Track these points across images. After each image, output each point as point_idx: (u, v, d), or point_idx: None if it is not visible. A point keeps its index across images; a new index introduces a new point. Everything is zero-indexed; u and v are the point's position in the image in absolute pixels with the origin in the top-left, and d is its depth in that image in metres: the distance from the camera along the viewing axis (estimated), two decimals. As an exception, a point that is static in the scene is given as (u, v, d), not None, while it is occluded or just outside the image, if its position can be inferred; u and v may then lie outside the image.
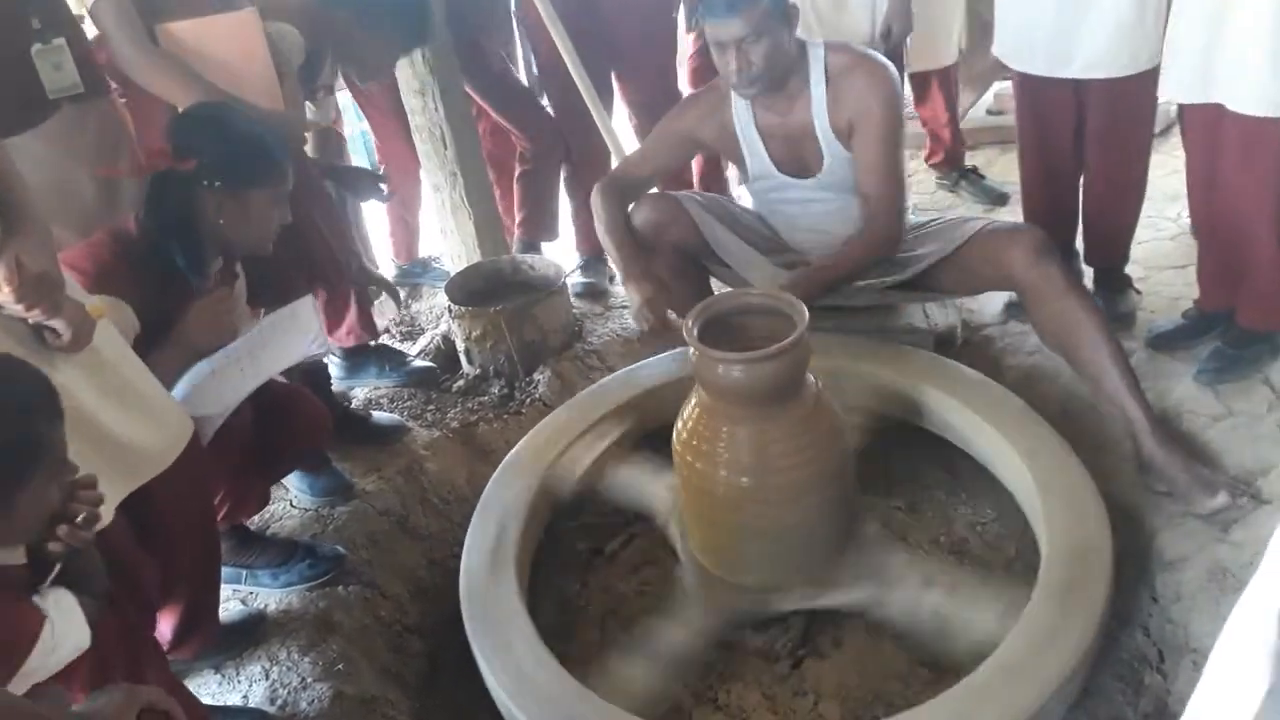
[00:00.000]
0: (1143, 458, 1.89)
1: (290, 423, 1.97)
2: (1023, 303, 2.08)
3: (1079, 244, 2.48)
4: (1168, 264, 2.48)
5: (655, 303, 2.10)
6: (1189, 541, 1.77)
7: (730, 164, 3.17)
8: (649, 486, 2.05)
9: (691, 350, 1.72)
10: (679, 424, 1.83)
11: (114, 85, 2.12)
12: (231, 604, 1.95)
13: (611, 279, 3.14)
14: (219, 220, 1.72)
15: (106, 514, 1.45)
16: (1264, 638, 0.78)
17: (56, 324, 1.37)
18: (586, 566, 2.16)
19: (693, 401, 1.82)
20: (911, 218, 2.30)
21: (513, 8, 3.02)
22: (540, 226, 3.17)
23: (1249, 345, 2.08)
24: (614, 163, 3.00)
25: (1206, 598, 1.66)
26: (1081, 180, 2.38)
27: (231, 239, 1.77)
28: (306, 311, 1.95)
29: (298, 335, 1.94)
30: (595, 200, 2.29)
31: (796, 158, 2.21)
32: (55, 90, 1.87)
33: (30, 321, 1.36)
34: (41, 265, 1.36)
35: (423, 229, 3.32)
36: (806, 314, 1.69)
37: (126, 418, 1.50)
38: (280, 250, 2.13)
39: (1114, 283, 2.43)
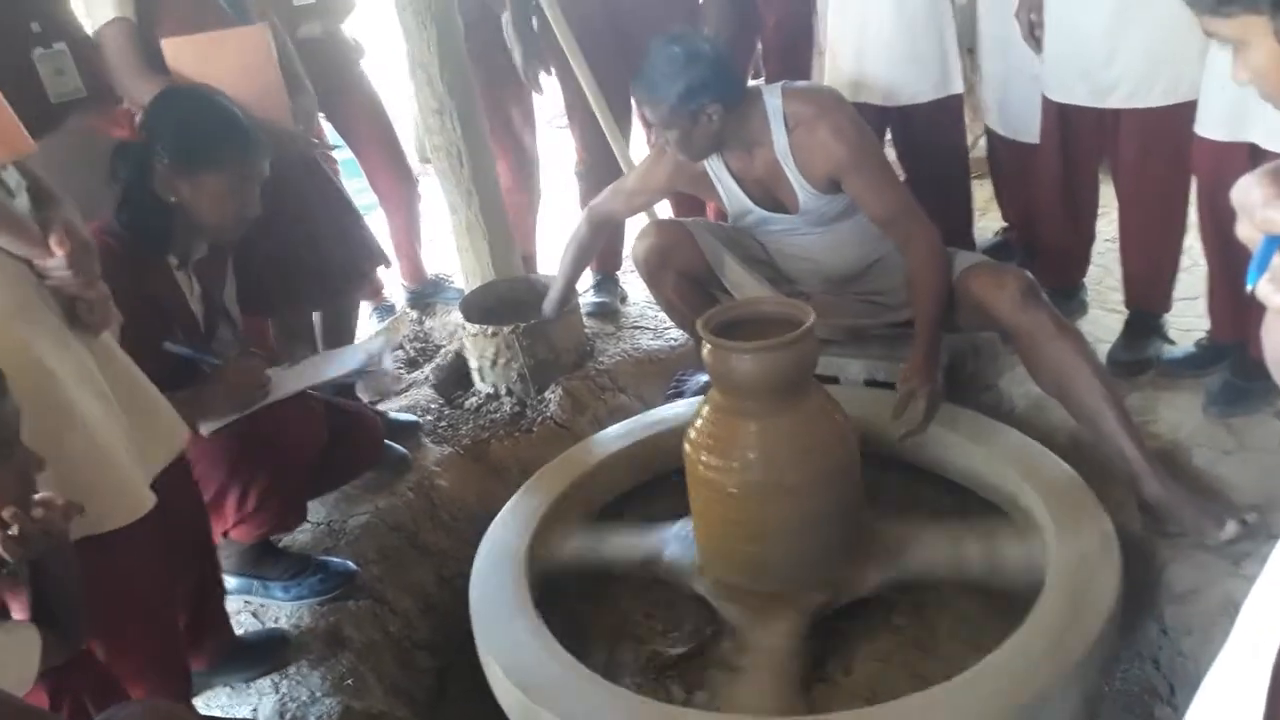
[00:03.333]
0: (1145, 500, 1.88)
1: (350, 444, 2.03)
2: (1014, 346, 2.08)
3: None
4: (1179, 295, 2.48)
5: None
6: (1200, 574, 1.77)
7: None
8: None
9: (706, 347, 1.78)
10: (690, 428, 1.88)
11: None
12: (243, 616, 1.96)
13: (623, 299, 3.16)
14: (170, 198, 1.71)
15: (140, 491, 1.47)
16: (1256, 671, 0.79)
17: (93, 296, 1.40)
18: (596, 586, 2.16)
19: (705, 404, 1.88)
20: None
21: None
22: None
23: (1259, 378, 2.08)
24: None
25: (1218, 631, 1.65)
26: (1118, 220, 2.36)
27: (188, 219, 1.75)
28: (378, 347, 2.07)
29: (359, 353, 2.06)
30: (580, 223, 2.53)
31: (771, 196, 2.24)
32: (59, 95, 1.86)
33: (70, 291, 1.38)
34: (85, 235, 1.39)
35: (424, 254, 3.37)
36: (813, 313, 1.76)
37: (140, 404, 1.54)
38: (289, 255, 2.17)
39: (1144, 329, 2.37)
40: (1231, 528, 1.75)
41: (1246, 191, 0.71)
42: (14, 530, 1.14)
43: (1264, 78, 1.02)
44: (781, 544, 1.84)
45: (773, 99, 2.13)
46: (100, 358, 1.48)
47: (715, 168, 2.25)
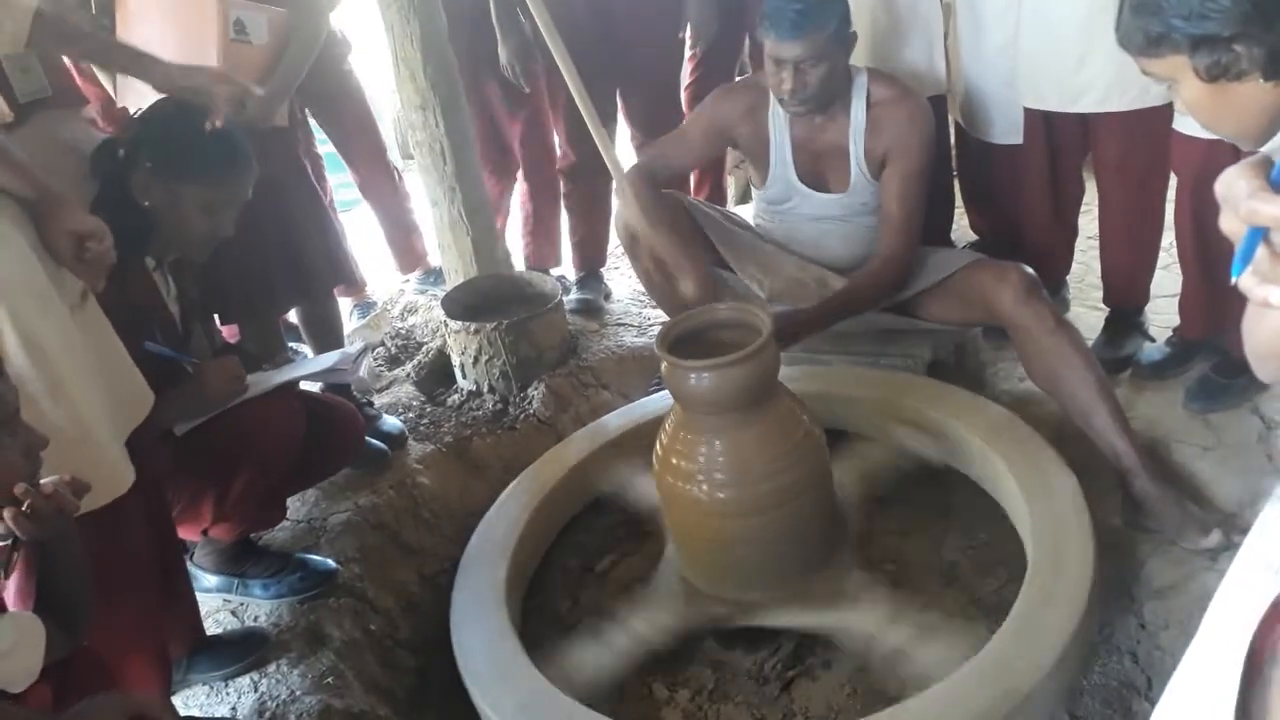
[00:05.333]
0: (1133, 496, 1.88)
1: (330, 438, 2.01)
2: (1011, 340, 2.10)
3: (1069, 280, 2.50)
4: (1159, 293, 2.50)
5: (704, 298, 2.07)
6: (1178, 569, 1.78)
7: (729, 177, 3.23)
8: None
9: (663, 364, 1.76)
10: (658, 442, 1.87)
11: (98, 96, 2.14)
12: (222, 614, 1.95)
13: (607, 296, 3.16)
14: (145, 203, 1.69)
15: (120, 467, 1.49)
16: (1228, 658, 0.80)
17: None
18: (577, 584, 2.16)
19: (670, 418, 1.85)
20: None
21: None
22: (544, 252, 3.23)
23: (1238, 375, 2.09)
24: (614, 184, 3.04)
25: (1195, 626, 1.66)
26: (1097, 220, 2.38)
27: (159, 227, 1.73)
28: (355, 350, 2.07)
29: (334, 354, 2.08)
30: (630, 188, 2.18)
31: (819, 173, 2.24)
32: (24, 94, 1.86)
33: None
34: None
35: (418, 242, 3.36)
36: (770, 321, 1.73)
37: (117, 368, 1.57)
38: (264, 255, 2.16)
39: (1124, 326, 2.40)
40: (1215, 537, 1.75)
41: (1230, 184, 0.72)
42: (26, 506, 1.14)
43: (1196, 111, 1.07)
44: (742, 559, 1.83)
45: (859, 75, 2.16)
46: (83, 324, 1.49)
47: (778, 129, 2.23)
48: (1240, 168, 0.71)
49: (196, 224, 1.73)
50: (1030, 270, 2.07)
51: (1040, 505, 1.77)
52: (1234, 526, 1.77)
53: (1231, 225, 0.72)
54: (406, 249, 3.34)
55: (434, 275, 3.32)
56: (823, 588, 1.85)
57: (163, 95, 1.76)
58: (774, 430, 1.76)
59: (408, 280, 3.42)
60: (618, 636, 1.78)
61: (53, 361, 1.38)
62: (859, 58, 2.54)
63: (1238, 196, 0.70)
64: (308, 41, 2.17)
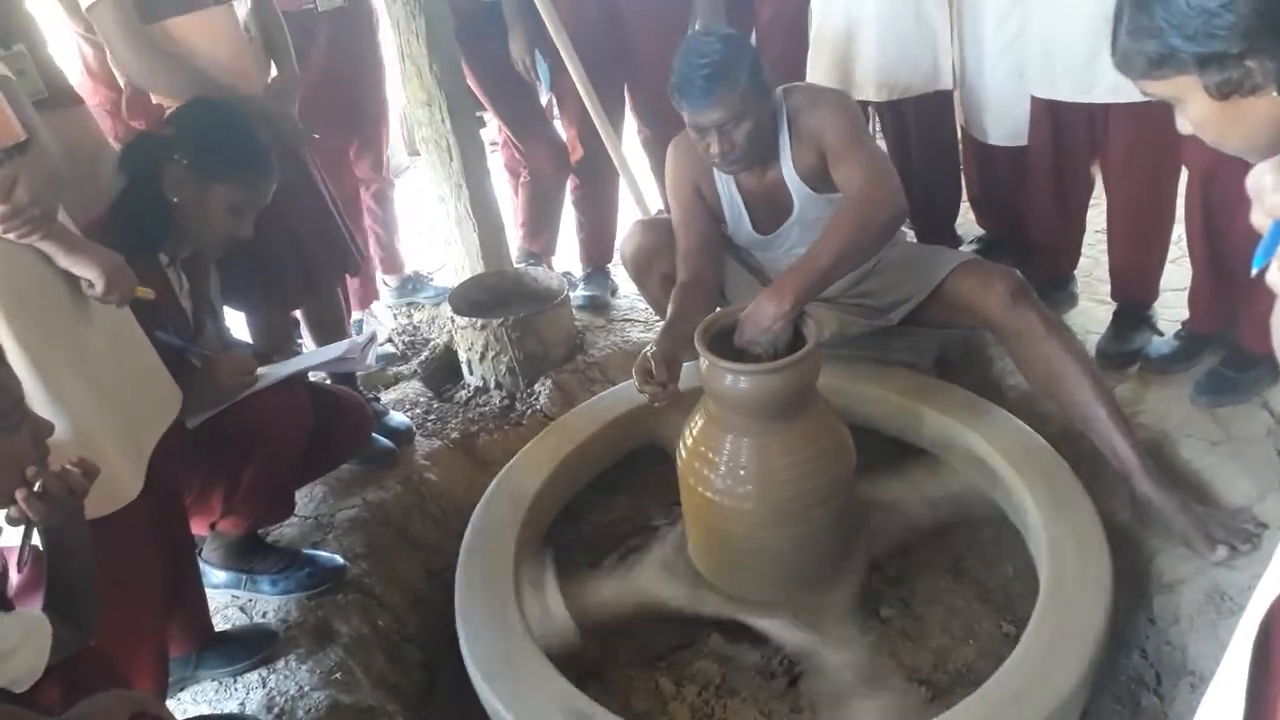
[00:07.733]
0: (1137, 499, 1.87)
1: (338, 429, 2.02)
2: (1003, 346, 2.08)
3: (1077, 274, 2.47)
4: (1167, 286, 2.49)
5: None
6: (1187, 564, 1.77)
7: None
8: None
9: (701, 360, 1.73)
10: (684, 434, 1.85)
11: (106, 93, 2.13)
12: (231, 611, 1.95)
13: (614, 292, 3.16)
14: (173, 198, 1.71)
15: (126, 479, 1.50)
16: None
17: (90, 274, 1.43)
18: (583, 581, 2.16)
19: (699, 413, 1.84)
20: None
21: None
22: (538, 239, 3.21)
23: (1249, 369, 2.08)
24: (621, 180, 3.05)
25: (1204, 621, 1.67)
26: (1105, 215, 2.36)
27: (182, 224, 1.75)
28: (363, 340, 2.08)
29: (343, 344, 2.08)
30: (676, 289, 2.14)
31: (773, 213, 2.17)
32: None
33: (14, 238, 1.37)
34: (34, 193, 1.36)
35: (403, 249, 3.33)
36: (815, 329, 1.71)
37: (143, 373, 1.61)
38: (276, 247, 2.17)
39: (1132, 320, 2.37)
40: (1222, 552, 1.73)
41: (1259, 178, 0.72)
42: (38, 487, 1.16)
43: (1204, 129, 1.06)
44: (757, 561, 1.82)
45: (782, 102, 2.07)
46: (108, 330, 1.51)
47: (725, 182, 2.15)
48: (1270, 163, 0.71)
49: (221, 223, 1.76)
50: (1017, 274, 2.03)
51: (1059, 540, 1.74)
52: (1239, 532, 1.75)
53: (1259, 220, 0.73)
54: (387, 249, 3.29)
55: (410, 282, 3.31)
56: (818, 608, 1.84)
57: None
58: (803, 438, 1.75)
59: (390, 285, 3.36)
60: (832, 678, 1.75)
61: (51, 373, 1.39)
62: (867, 48, 2.54)
63: (1264, 190, 0.70)
64: (277, 19, 2.23)
